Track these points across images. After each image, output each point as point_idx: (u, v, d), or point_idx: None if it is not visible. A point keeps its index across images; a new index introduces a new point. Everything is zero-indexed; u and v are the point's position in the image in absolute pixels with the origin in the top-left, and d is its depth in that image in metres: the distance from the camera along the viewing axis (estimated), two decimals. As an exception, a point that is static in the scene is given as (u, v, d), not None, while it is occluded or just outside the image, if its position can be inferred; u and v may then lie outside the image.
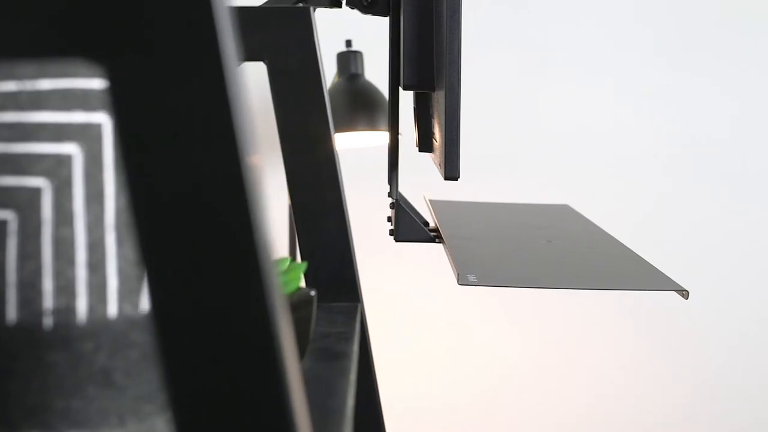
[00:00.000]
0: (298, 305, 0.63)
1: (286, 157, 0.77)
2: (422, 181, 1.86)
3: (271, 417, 0.34)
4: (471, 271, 1.00)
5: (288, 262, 0.65)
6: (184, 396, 0.35)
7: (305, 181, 0.78)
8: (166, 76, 0.26)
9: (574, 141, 2.06)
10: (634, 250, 1.13)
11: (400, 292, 2.06)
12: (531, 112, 2.06)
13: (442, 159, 0.99)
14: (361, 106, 1.75)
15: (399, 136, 1.20)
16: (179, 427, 0.35)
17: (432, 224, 1.27)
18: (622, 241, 1.18)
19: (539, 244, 1.15)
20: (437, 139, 1.00)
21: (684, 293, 0.97)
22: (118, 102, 0.27)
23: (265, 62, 0.77)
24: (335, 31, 1.87)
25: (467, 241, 1.17)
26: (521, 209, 1.37)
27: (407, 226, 1.16)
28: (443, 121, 0.97)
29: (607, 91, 2.06)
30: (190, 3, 0.26)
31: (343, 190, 0.78)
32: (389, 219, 1.22)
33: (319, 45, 0.77)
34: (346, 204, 0.79)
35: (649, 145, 2.07)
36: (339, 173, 0.78)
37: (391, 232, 1.16)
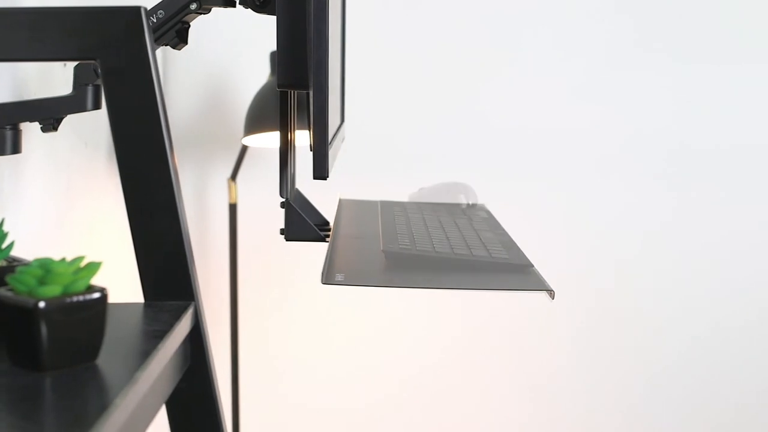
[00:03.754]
0: (88, 303, 0.64)
1: (119, 157, 0.78)
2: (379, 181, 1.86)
3: None
4: (342, 270, 1.00)
5: (81, 261, 0.65)
6: None
7: (137, 181, 0.78)
8: None
9: (518, 141, 2.06)
10: (524, 252, 1.13)
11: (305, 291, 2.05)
12: (478, 111, 2.05)
13: (313, 158, 0.99)
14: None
15: (290, 135, 1.20)
16: None
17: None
18: (517, 242, 1.18)
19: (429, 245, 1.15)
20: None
21: (551, 293, 0.97)
22: None
23: (96, 61, 0.77)
24: (271, 30, 1.87)
25: (357, 240, 1.17)
26: (435, 209, 1.37)
27: (297, 225, 1.16)
28: (312, 121, 0.97)
29: (551, 90, 2.05)
30: None
31: (178, 189, 0.79)
32: (288, 218, 1.22)
33: (152, 43, 0.77)
34: (181, 203, 0.79)
35: (594, 144, 2.07)
36: (172, 172, 0.78)
37: (282, 231, 1.17)
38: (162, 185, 0.79)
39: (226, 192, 1.98)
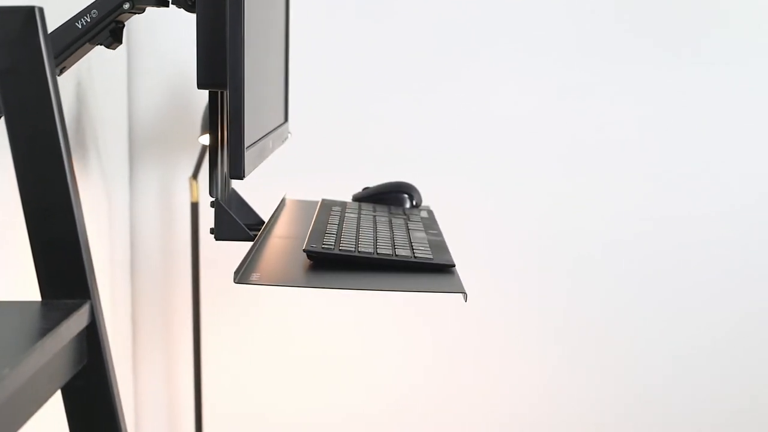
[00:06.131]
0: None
1: (15, 157, 0.78)
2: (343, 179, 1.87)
3: None
4: (258, 270, 1.01)
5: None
6: None
7: (32, 181, 0.79)
8: None
9: (475, 140, 2.06)
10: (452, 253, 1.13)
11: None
12: (432, 110, 2.05)
13: (228, 158, 1.00)
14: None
15: (219, 135, 1.20)
16: None
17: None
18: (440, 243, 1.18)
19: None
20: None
21: (464, 295, 0.98)
22: None
23: (-8, 61, 0.78)
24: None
25: (284, 240, 1.18)
26: (376, 208, 1.37)
27: (226, 225, 1.17)
28: (228, 122, 0.98)
29: (510, 89, 2.05)
30: None
31: (74, 189, 0.79)
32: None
33: (48, 43, 0.78)
34: (77, 203, 0.79)
35: (551, 145, 2.06)
36: (68, 172, 0.78)
37: (212, 231, 1.17)
38: (57, 186, 0.79)
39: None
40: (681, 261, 2.10)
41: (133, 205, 2.07)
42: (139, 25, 2.00)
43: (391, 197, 1.43)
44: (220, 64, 1.01)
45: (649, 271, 2.10)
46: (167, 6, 1.18)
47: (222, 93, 1.17)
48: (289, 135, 1.77)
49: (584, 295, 2.11)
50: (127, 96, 2.03)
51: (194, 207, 1.95)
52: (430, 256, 1.07)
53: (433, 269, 1.06)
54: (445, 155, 2.05)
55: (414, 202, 1.44)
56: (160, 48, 2.01)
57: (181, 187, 2.05)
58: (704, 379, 2.14)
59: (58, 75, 1.22)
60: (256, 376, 2.10)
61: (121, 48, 2.02)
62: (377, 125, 2.04)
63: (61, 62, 1.20)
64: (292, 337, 2.10)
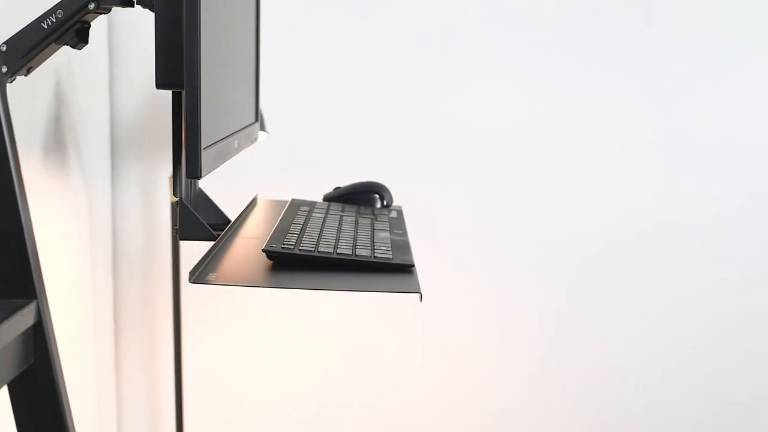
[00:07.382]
0: None
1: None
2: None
3: None
4: (216, 269, 1.01)
5: None
6: None
7: (-23, 179, 0.79)
8: None
9: (469, 141, 2.05)
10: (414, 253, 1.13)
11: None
12: (424, 111, 2.05)
13: (185, 158, 1.00)
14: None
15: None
16: None
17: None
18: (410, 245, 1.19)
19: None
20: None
21: (419, 295, 0.98)
22: None
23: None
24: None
25: (250, 240, 1.18)
26: (345, 208, 1.37)
27: (190, 224, 1.17)
28: (184, 122, 0.98)
29: (502, 90, 2.05)
30: None
31: (20, 189, 0.79)
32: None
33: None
34: (24, 204, 0.80)
35: (542, 145, 2.06)
36: (13, 174, 0.79)
37: (176, 231, 1.18)
38: (2, 187, 0.80)
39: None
40: (681, 261, 2.10)
41: (115, 204, 2.07)
42: (120, 25, 2.00)
43: (362, 197, 1.43)
44: (178, 64, 1.02)
45: (649, 271, 2.10)
46: (132, 6, 1.18)
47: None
48: (267, 134, 1.77)
49: (584, 296, 2.10)
50: (109, 95, 2.03)
51: (174, 206, 1.96)
52: (390, 256, 1.08)
53: (392, 269, 1.06)
54: (442, 156, 2.04)
55: (384, 202, 1.44)
56: (142, 47, 2.01)
57: (162, 186, 2.06)
58: (704, 379, 2.14)
59: (25, 75, 1.22)
60: (237, 371, 2.11)
61: (103, 47, 2.03)
62: (362, 124, 2.04)
63: (28, 62, 1.20)
64: (273, 331, 2.10)
